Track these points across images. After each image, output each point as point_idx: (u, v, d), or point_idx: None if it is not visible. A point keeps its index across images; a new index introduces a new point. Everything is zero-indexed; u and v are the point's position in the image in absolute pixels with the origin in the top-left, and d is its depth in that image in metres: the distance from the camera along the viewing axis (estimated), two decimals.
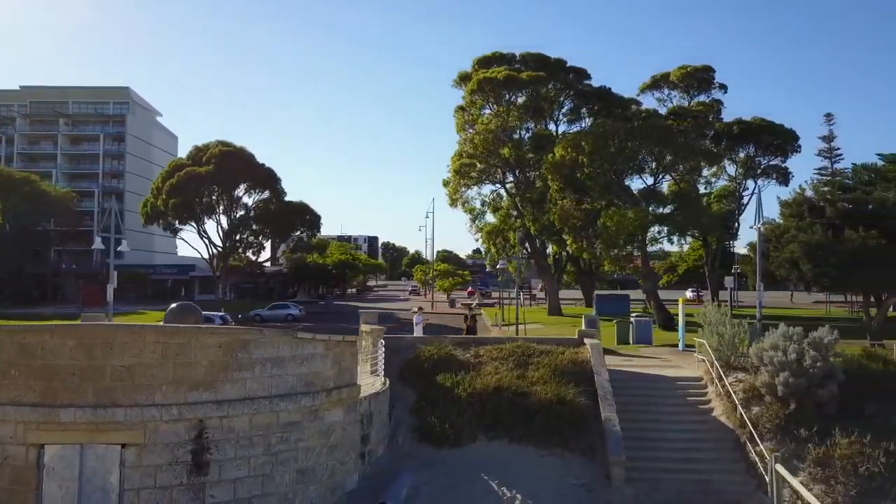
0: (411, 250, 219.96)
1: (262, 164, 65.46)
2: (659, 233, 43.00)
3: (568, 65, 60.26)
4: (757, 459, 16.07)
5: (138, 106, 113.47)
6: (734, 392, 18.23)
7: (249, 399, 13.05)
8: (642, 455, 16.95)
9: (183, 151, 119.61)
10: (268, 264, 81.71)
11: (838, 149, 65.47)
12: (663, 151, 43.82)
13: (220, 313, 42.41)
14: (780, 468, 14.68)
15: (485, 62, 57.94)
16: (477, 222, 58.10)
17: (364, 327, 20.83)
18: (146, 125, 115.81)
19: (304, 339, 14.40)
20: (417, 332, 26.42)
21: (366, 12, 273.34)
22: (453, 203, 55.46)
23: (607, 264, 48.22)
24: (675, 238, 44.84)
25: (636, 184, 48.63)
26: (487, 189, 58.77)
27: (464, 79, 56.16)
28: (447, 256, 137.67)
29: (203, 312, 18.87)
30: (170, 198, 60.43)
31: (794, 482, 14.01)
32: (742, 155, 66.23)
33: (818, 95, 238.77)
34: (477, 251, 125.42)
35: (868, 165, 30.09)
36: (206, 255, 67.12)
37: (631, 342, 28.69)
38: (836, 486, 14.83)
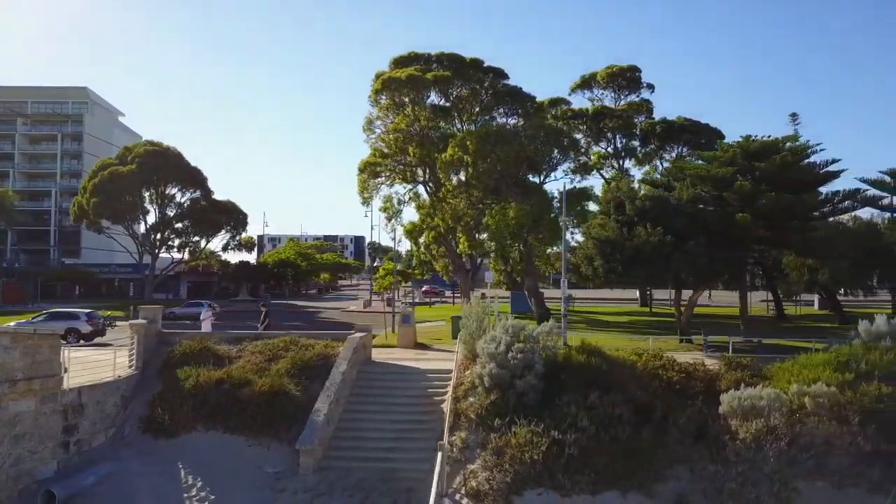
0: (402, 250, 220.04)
1: (189, 164, 65.94)
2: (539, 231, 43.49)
3: (485, 65, 60.49)
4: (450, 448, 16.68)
5: (97, 106, 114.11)
6: (463, 383, 18.83)
7: None
8: (350, 445, 17.60)
9: None
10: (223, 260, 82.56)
11: None
12: (552, 150, 44.38)
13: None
14: (439, 456, 15.37)
15: (401, 62, 58.22)
16: (393, 221, 58.61)
17: (131, 322, 21.44)
18: (106, 125, 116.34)
19: None
20: (205, 327, 27.04)
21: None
22: (365, 202, 55.97)
23: (493, 264, 48.81)
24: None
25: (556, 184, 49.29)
26: (404, 188, 59.23)
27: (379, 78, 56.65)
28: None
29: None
30: (92, 197, 61.00)
31: (438, 469, 14.70)
32: (674, 154, 67.04)
33: (771, 96, 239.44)
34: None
35: (683, 163, 30.50)
36: (135, 254, 67.49)
37: None
38: (496, 474, 15.39)
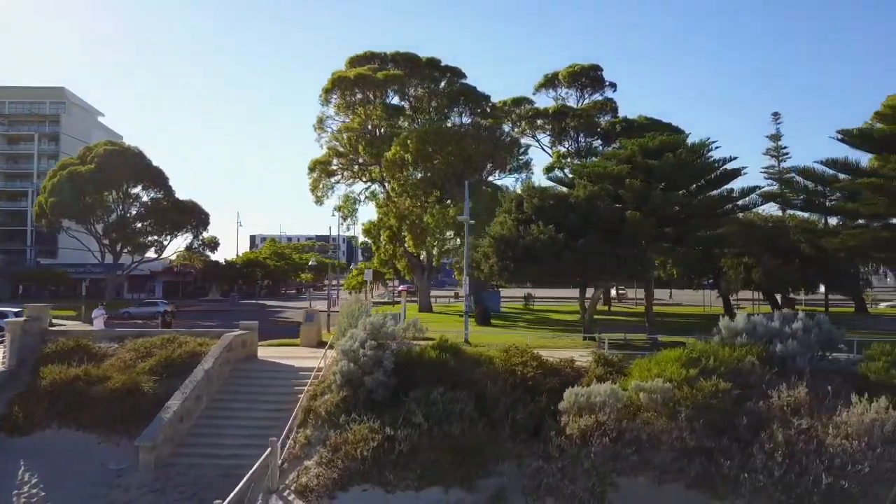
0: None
1: (151, 164, 65.98)
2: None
3: (442, 64, 60.52)
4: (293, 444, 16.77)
5: (75, 106, 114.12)
6: (325, 381, 18.88)
7: None
8: (205, 441, 17.70)
9: None
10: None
11: (785, 147, 65.72)
12: (493, 150, 44.43)
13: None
14: (269, 451, 15.45)
15: (357, 61, 58.41)
16: (349, 221, 58.63)
17: (8, 321, 21.53)
18: (85, 125, 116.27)
19: None
20: (97, 325, 27.12)
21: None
22: (318, 201, 56.01)
23: (436, 260, 48.89)
24: None
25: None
26: (360, 187, 59.30)
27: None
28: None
29: None
30: (50, 197, 61.08)
31: (270, 466, 14.79)
32: None
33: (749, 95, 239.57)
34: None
35: (591, 161, 30.57)
36: (97, 254, 67.58)
37: None
38: (326, 470, 15.44)
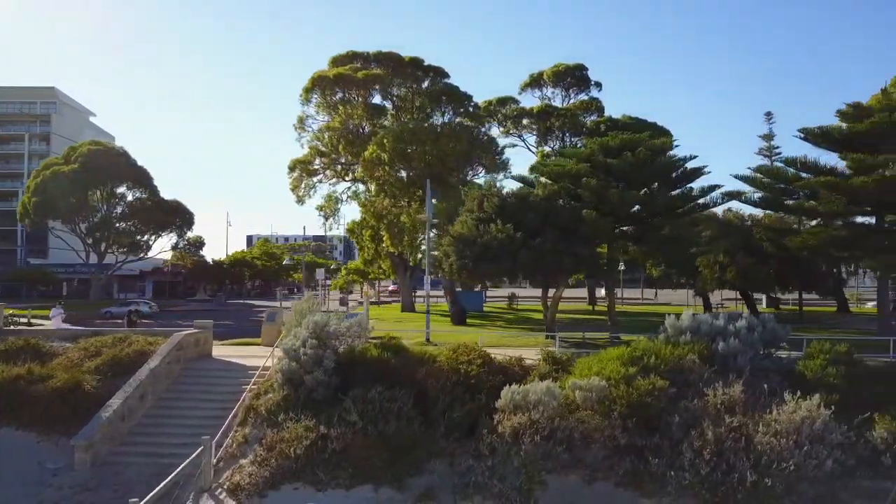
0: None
1: (135, 163, 66.11)
2: None
3: (425, 63, 60.41)
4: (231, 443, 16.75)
5: (66, 106, 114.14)
6: (270, 379, 18.86)
7: None
8: (148, 440, 17.68)
9: None
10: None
11: (777, 147, 65.75)
12: (468, 151, 44.34)
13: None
14: (200, 450, 15.41)
15: (339, 60, 58.34)
16: (331, 221, 58.62)
17: None
18: (76, 125, 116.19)
19: None
20: (55, 323, 27.11)
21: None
22: (300, 200, 55.98)
23: (413, 260, 48.85)
24: None
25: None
26: (343, 186, 59.26)
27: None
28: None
29: None
30: (33, 196, 61.11)
31: (181, 466, 14.72)
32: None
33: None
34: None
35: (551, 160, 30.51)
36: (82, 253, 67.63)
37: None
38: (258, 469, 15.41)
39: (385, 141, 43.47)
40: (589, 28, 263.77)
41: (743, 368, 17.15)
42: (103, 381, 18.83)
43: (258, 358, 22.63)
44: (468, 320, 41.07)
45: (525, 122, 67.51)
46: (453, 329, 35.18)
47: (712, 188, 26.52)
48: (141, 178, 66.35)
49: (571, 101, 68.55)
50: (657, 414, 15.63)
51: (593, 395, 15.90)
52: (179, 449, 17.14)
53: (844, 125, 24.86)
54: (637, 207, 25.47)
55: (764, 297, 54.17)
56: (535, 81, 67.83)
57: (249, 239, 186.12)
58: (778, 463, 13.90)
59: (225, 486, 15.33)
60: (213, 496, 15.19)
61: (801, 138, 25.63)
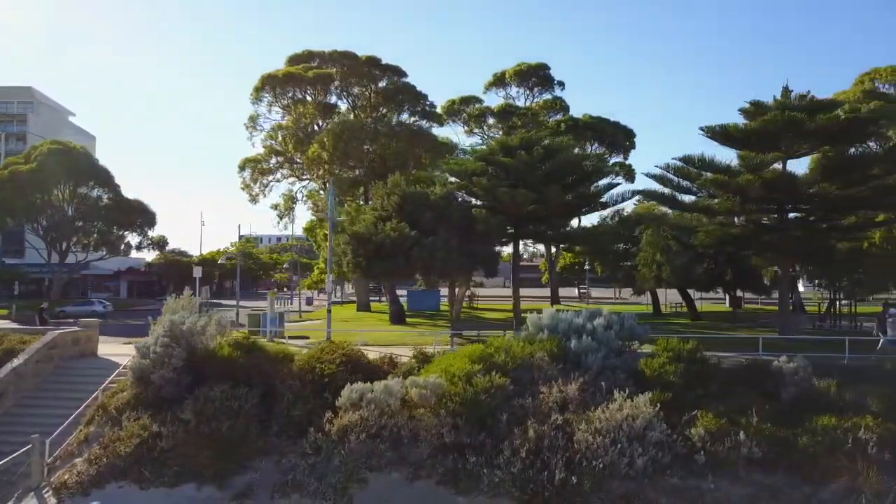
0: None
1: (97, 163, 66.05)
2: None
3: (382, 62, 60.29)
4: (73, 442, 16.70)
5: (44, 105, 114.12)
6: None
7: None
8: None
9: (102, 151, 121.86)
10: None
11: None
12: (407, 149, 44.31)
13: None
14: (27, 448, 15.36)
15: (296, 59, 58.30)
16: (286, 219, 58.52)
17: None
18: (55, 124, 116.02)
19: None
20: None
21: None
22: (253, 199, 55.88)
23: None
24: None
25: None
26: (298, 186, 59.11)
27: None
28: None
29: None
30: None
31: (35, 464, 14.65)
32: (591, 152, 67.26)
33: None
34: None
35: (452, 159, 30.43)
36: (44, 253, 67.58)
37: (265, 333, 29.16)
38: (87, 468, 15.36)
39: (325, 140, 43.42)
40: (565, 29, 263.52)
41: (593, 366, 17.08)
42: None
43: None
44: (409, 319, 40.98)
45: (491, 121, 67.42)
46: (381, 328, 35.06)
47: (609, 187, 26.40)
48: (102, 178, 66.19)
49: (536, 100, 68.60)
50: (491, 412, 15.55)
51: (428, 393, 15.82)
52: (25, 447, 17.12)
53: (742, 124, 24.75)
54: (532, 206, 25.33)
55: (727, 296, 54.21)
56: (499, 81, 67.68)
57: (241, 239, 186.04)
58: (590, 461, 13.85)
59: (53, 485, 15.28)
60: (38, 495, 15.14)
61: (704, 135, 25.54)
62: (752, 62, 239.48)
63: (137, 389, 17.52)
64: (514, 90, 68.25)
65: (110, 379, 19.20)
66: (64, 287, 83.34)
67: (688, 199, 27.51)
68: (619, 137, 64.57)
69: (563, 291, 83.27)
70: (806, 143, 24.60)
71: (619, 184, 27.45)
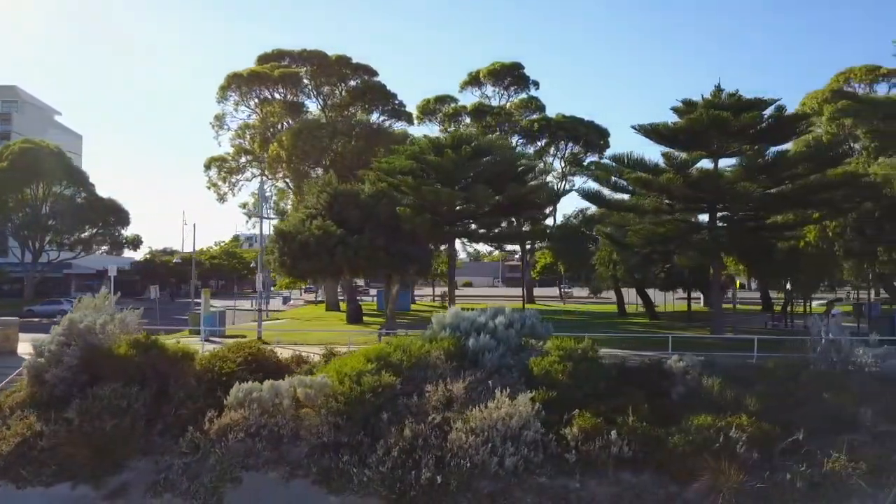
0: None
1: (70, 162, 66.17)
2: None
3: (353, 62, 60.21)
4: None
5: (28, 104, 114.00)
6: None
7: None
8: None
9: (87, 149, 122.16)
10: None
11: None
12: (365, 148, 44.24)
13: None
14: None
15: (266, 58, 58.34)
16: (254, 219, 58.42)
17: None
18: (39, 124, 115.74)
19: None
20: None
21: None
22: (221, 199, 55.89)
23: None
24: None
25: None
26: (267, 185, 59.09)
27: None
28: None
29: None
30: None
31: None
32: (566, 152, 67.43)
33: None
34: None
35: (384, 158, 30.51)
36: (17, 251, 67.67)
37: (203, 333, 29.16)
38: None
39: (285, 139, 43.40)
40: (543, 29, 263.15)
41: (489, 365, 17.01)
42: None
43: None
44: (368, 318, 40.93)
45: (467, 121, 67.36)
46: (330, 328, 34.96)
47: (540, 187, 26.31)
48: (75, 177, 66.27)
49: (511, 99, 68.62)
50: (375, 411, 15.47)
51: (313, 392, 15.74)
52: None
53: (671, 122, 24.68)
54: (462, 206, 25.25)
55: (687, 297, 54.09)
56: (474, 80, 67.81)
57: (237, 238, 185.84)
58: (461, 460, 13.76)
59: None
60: None
61: (635, 132, 25.48)
62: (732, 61, 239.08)
63: (33, 388, 17.43)
64: (489, 89, 68.44)
65: (9, 378, 19.09)
66: (44, 286, 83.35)
67: (625, 198, 27.44)
68: (592, 137, 64.62)
69: (545, 291, 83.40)
70: (735, 141, 24.52)
71: (549, 183, 27.22)
